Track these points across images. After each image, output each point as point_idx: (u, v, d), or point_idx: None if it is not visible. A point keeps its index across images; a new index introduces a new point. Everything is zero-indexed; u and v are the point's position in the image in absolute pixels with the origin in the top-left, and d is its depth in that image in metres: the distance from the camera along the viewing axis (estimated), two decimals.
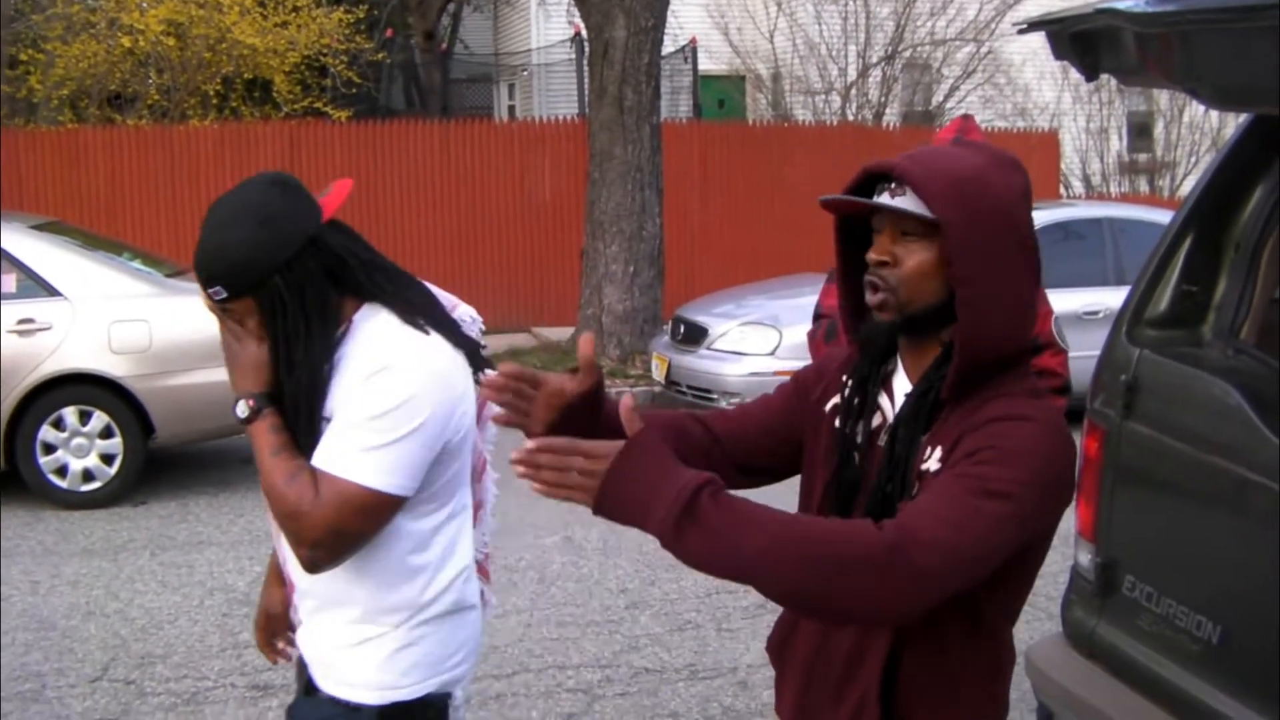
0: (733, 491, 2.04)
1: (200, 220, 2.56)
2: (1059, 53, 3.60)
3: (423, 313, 2.63)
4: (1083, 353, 5.46)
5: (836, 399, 2.39)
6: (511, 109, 28.37)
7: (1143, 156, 24.84)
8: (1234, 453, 3.48)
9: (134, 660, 6.25)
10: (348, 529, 2.49)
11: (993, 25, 21.90)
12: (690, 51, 24.25)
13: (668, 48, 16.77)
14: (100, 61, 17.84)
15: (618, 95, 13.61)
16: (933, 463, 2.17)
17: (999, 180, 2.21)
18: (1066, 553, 4.20)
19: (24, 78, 18.06)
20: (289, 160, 15.61)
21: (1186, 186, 22.42)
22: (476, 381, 2.66)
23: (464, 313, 2.82)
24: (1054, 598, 6.06)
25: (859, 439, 2.32)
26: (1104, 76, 3.66)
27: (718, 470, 2.18)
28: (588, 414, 2.27)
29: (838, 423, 2.36)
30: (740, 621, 6.62)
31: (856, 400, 2.34)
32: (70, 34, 17.86)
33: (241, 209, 2.53)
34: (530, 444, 2.02)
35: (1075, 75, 3.67)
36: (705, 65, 24.73)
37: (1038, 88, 23.01)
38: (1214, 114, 20.41)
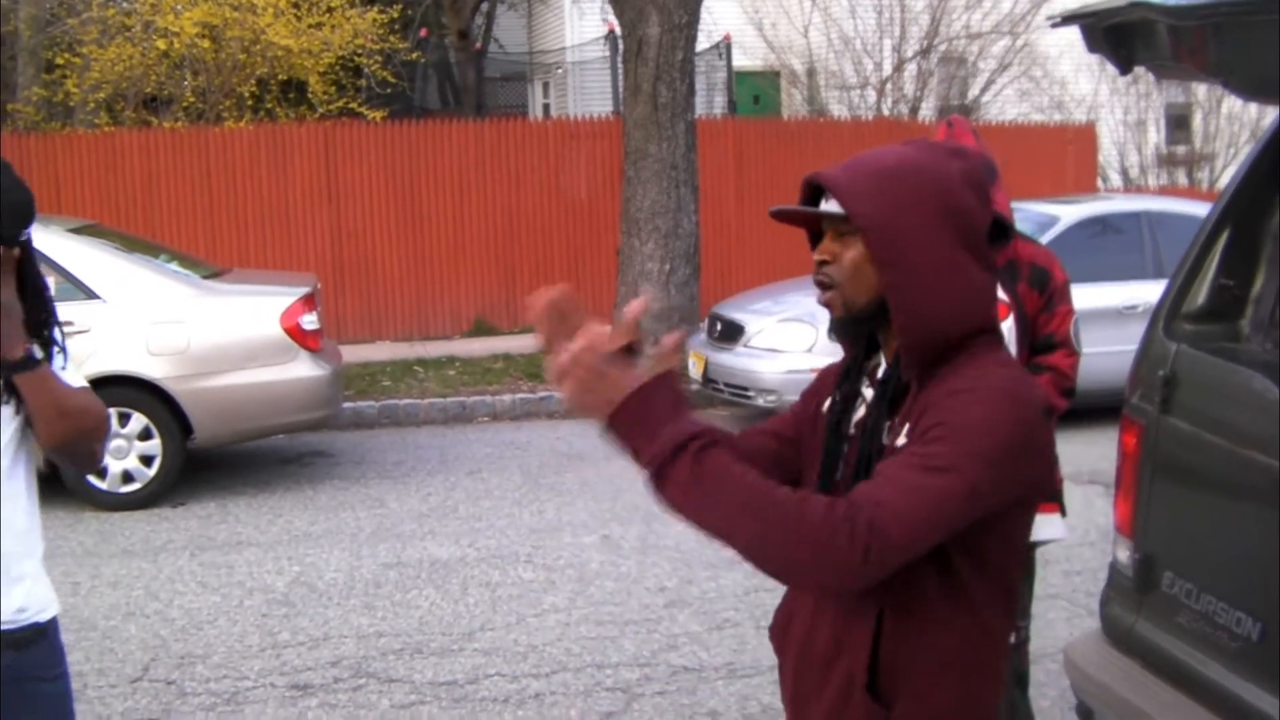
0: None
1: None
2: (1093, 46, 3.58)
3: None
4: (1123, 347, 5.43)
5: (831, 398, 2.45)
6: (546, 107, 28.42)
7: (1181, 149, 24.69)
8: (1272, 447, 3.45)
9: (174, 660, 6.28)
10: None
11: (1028, 18, 21.78)
12: (725, 48, 24.24)
13: (702, 44, 16.75)
14: (136, 64, 17.89)
15: (652, 93, 13.59)
16: (901, 438, 2.22)
17: (928, 166, 2.26)
18: (1106, 549, 4.18)
19: (60, 81, 18.16)
20: (324, 160, 15.63)
21: (1225, 178, 22.22)
22: None
23: None
24: (1093, 594, 6.02)
25: (847, 430, 2.37)
26: (1140, 69, 3.64)
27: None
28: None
29: (828, 417, 2.42)
30: None
31: (841, 394, 2.40)
32: (105, 38, 17.94)
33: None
34: (575, 346, 2.14)
35: (1112, 68, 3.65)
36: (740, 61, 24.70)
37: (1074, 80, 22.85)
38: (1253, 105, 20.27)
